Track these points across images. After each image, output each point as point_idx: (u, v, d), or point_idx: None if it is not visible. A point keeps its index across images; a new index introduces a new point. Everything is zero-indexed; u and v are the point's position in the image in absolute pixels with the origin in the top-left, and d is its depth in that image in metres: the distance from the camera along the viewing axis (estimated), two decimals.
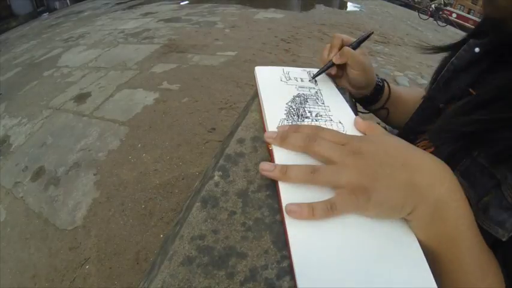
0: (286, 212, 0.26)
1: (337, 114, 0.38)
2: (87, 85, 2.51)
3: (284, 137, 0.30)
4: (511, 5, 0.30)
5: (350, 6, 5.87)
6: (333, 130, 0.30)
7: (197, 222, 0.27)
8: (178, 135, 1.77)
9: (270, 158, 0.33)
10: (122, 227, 1.30)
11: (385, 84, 0.52)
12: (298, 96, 0.40)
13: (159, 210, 1.35)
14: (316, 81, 0.46)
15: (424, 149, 0.44)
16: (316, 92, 0.42)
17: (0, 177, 1.73)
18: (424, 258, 0.25)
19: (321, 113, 0.38)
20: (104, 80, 2.54)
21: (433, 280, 0.23)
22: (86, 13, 5.69)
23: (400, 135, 0.54)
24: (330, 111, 0.38)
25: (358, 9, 5.70)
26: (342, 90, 0.46)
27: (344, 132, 0.32)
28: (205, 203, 0.29)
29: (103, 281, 1.13)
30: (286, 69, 0.46)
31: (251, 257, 0.25)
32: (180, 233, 0.27)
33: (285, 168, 0.28)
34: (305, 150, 0.29)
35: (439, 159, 0.27)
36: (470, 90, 0.40)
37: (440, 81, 0.45)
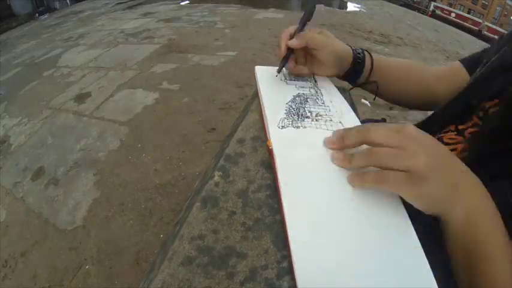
0: (334, 159, 0.30)
1: (338, 114, 0.38)
2: (87, 85, 2.50)
3: (342, 137, 0.30)
4: None
5: (350, 6, 5.87)
6: (380, 125, 0.29)
7: (197, 222, 0.27)
8: (178, 135, 1.77)
9: (270, 157, 0.33)
10: (122, 227, 1.30)
11: (366, 55, 0.49)
12: (298, 96, 0.41)
13: (159, 210, 1.35)
14: (316, 81, 0.47)
15: (451, 143, 0.44)
16: (316, 92, 0.43)
17: (0, 177, 1.73)
18: (426, 260, 0.24)
19: (321, 113, 0.38)
20: (104, 80, 2.54)
21: (434, 280, 0.23)
22: (86, 13, 5.69)
23: (423, 124, 0.53)
24: (330, 111, 0.39)
25: (358, 9, 5.69)
26: (341, 89, 0.46)
27: None
28: (205, 203, 0.29)
29: (103, 281, 1.12)
30: (286, 71, 0.47)
31: (251, 257, 0.25)
32: (180, 233, 0.27)
33: (350, 156, 0.29)
34: (363, 139, 0.29)
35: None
36: (510, 88, 0.39)
37: (479, 78, 0.44)
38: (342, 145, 0.30)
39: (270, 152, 0.33)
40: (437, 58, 3.44)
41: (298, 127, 0.35)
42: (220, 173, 0.32)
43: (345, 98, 0.42)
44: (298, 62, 0.46)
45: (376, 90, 0.52)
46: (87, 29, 4.30)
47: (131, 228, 1.29)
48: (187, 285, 0.23)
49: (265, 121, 0.36)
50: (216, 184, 0.31)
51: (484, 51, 0.52)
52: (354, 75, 0.49)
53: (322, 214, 0.26)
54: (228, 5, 4.95)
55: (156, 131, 1.82)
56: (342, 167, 0.29)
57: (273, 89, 0.41)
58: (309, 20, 0.46)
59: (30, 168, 1.72)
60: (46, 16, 6.27)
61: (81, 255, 1.22)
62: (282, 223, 0.27)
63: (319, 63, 0.46)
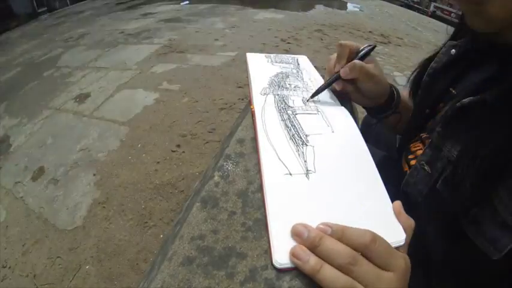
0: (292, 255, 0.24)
1: (314, 87, 0.44)
2: (87, 85, 2.51)
3: (319, 241, 0.24)
4: (508, 16, 0.27)
5: (350, 7, 5.87)
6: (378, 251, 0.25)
7: (197, 223, 0.27)
8: (178, 135, 1.77)
9: (252, 120, 0.37)
10: (122, 227, 1.30)
11: (394, 91, 0.49)
12: (281, 72, 0.46)
13: (158, 211, 1.35)
14: (298, 63, 0.50)
15: (414, 150, 0.45)
16: (297, 72, 0.49)
17: (0, 177, 1.73)
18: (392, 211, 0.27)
19: (299, 86, 0.44)
20: (104, 80, 2.54)
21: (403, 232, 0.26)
22: (86, 13, 5.69)
23: (400, 140, 0.54)
24: (307, 85, 0.45)
25: (358, 10, 5.70)
26: (344, 101, 0.46)
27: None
28: (205, 203, 0.29)
29: (103, 281, 1.12)
30: (274, 55, 0.52)
31: (251, 257, 0.25)
32: (180, 233, 0.27)
33: (319, 265, 0.23)
34: (345, 268, 0.23)
35: None
36: (451, 90, 0.41)
37: (423, 86, 0.45)
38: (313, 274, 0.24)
39: (252, 114, 0.37)
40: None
41: (277, 94, 0.41)
42: (220, 173, 0.32)
43: (344, 106, 0.43)
44: (342, 88, 0.45)
45: (399, 122, 0.51)
46: (87, 29, 4.30)
47: (131, 229, 1.29)
48: (187, 285, 0.23)
49: (250, 91, 0.41)
50: (216, 184, 0.31)
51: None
52: (382, 110, 0.49)
53: (295, 170, 0.30)
54: (228, 5, 4.95)
55: (156, 131, 1.82)
56: (300, 267, 0.24)
57: (260, 68, 0.47)
58: (369, 53, 0.44)
59: (30, 168, 1.72)
60: (46, 16, 6.27)
61: (81, 256, 1.22)
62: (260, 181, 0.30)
63: (358, 91, 0.44)
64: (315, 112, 0.38)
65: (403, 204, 0.28)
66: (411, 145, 0.47)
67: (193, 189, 0.35)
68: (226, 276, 0.24)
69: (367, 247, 0.24)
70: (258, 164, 0.32)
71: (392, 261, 0.24)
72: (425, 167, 0.37)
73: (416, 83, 0.48)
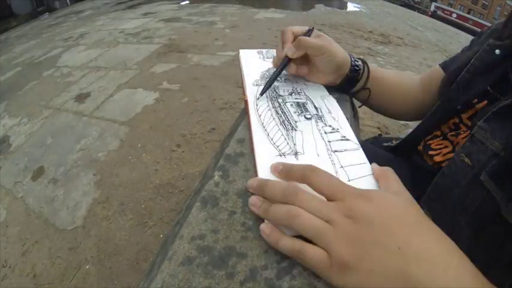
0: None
1: (302, 78, 0.46)
2: (87, 85, 2.50)
3: (263, 186, 0.27)
4: None
5: (350, 6, 5.87)
6: (327, 174, 0.26)
7: (197, 222, 0.27)
8: (178, 135, 1.77)
9: (245, 108, 0.39)
10: (122, 227, 1.30)
11: (362, 64, 0.48)
12: (272, 67, 0.48)
13: (159, 210, 1.35)
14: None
15: (437, 148, 0.45)
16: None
17: (0, 177, 1.73)
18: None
19: (289, 78, 0.46)
20: (104, 80, 2.54)
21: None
22: (85, 13, 5.69)
23: (411, 134, 0.53)
24: (297, 76, 0.46)
25: (358, 9, 5.69)
26: (343, 98, 0.47)
27: (337, 175, 0.30)
28: (205, 203, 0.29)
29: (103, 281, 1.12)
30: (266, 50, 0.53)
31: (251, 257, 0.25)
32: (180, 233, 0.27)
33: (267, 206, 0.26)
34: (284, 201, 0.25)
35: (446, 239, 0.22)
36: (489, 89, 0.40)
37: (460, 82, 0.44)
38: (283, 178, 0.28)
39: (245, 103, 0.40)
40: (437, 58, 3.44)
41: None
42: (220, 172, 0.32)
43: (345, 106, 0.43)
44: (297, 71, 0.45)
45: (367, 99, 0.51)
46: (87, 28, 4.29)
47: (131, 228, 1.29)
48: (187, 285, 0.23)
49: (244, 84, 0.44)
50: (216, 184, 0.31)
51: (462, 51, 0.52)
52: (349, 84, 0.48)
53: (286, 152, 0.32)
54: (228, 5, 4.95)
55: (156, 131, 1.82)
56: (257, 213, 0.28)
57: (252, 64, 0.49)
58: (311, 31, 0.45)
59: (30, 168, 1.71)
60: (46, 16, 6.26)
61: (81, 255, 1.22)
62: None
63: (316, 69, 0.44)
64: (304, 100, 0.41)
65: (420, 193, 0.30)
66: (431, 142, 0.47)
67: (193, 189, 0.35)
68: (226, 276, 0.24)
69: (307, 177, 0.26)
70: (251, 148, 0.34)
71: (339, 189, 0.25)
72: (465, 159, 0.37)
73: (452, 79, 0.47)
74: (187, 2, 5.46)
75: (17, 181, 1.66)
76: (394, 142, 0.59)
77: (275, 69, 0.42)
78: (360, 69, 0.47)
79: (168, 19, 4.19)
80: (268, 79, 0.41)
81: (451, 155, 0.42)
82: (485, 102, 0.41)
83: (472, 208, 0.35)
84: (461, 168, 0.37)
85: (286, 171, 0.28)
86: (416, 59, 3.18)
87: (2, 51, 4.11)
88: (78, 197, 1.47)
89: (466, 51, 0.50)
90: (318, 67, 0.43)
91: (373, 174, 0.30)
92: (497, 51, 0.40)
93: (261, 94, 0.39)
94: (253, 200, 0.27)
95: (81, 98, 2.32)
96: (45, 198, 1.51)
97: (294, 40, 0.42)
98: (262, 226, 0.26)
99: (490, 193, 0.32)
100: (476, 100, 0.42)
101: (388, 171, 0.29)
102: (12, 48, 4.21)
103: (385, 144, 0.60)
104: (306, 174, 0.26)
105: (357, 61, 0.47)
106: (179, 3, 5.38)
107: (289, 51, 0.41)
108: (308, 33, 0.44)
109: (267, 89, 0.40)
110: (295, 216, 0.24)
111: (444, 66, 0.53)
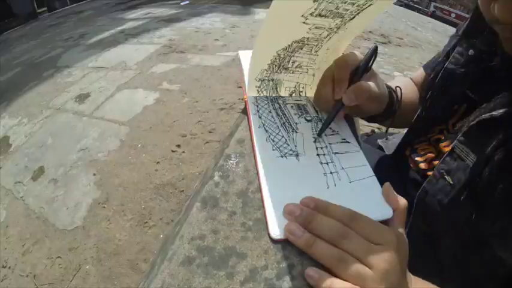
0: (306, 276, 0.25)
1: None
2: (87, 85, 2.50)
3: (309, 218, 0.25)
4: None
5: None
6: (367, 221, 0.26)
7: (197, 223, 0.27)
8: (178, 135, 1.77)
9: (245, 108, 0.39)
10: (122, 227, 1.30)
11: (394, 95, 0.44)
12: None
13: (159, 211, 1.35)
14: None
15: (425, 153, 0.45)
16: None
17: (0, 177, 1.73)
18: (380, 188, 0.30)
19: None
20: (104, 80, 2.54)
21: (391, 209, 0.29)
22: (86, 13, 5.69)
23: (399, 144, 0.53)
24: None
25: None
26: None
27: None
28: (205, 203, 0.29)
29: (103, 281, 1.12)
30: None
31: (251, 257, 0.25)
32: (180, 233, 0.27)
33: (311, 241, 0.25)
34: (332, 241, 0.25)
35: None
36: (469, 93, 0.39)
37: (437, 88, 0.43)
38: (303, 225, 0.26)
39: (246, 104, 0.40)
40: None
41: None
42: (220, 173, 0.32)
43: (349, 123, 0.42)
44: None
45: (390, 124, 0.47)
46: (87, 29, 4.29)
47: (131, 229, 1.29)
48: (187, 286, 0.23)
49: (243, 84, 0.43)
50: (216, 184, 0.31)
51: (444, 49, 0.50)
52: (383, 118, 0.43)
53: (287, 153, 0.32)
54: (228, 5, 4.95)
55: (156, 131, 1.82)
56: (294, 242, 0.26)
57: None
58: (371, 60, 0.36)
59: (30, 168, 1.71)
60: (46, 16, 6.27)
61: (81, 256, 1.22)
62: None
63: (357, 108, 0.37)
64: (304, 102, 0.41)
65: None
66: (418, 146, 0.46)
67: (194, 189, 0.35)
68: (226, 276, 0.24)
69: (352, 221, 0.25)
70: (251, 149, 0.34)
71: (379, 234, 0.25)
72: (446, 177, 0.35)
73: (431, 83, 0.45)
74: (188, 2, 5.46)
75: (17, 181, 1.66)
76: (389, 138, 0.58)
77: (328, 114, 0.36)
78: (395, 103, 0.43)
79: (169, 19, 4.19)
80: (323, 122, 0.36)
81: (435, 163, 0.40)
82: (465, 105, 0.40)
83: (457, 229, 0.34)
84: (442, 187, 0.36)
85: (323, 210, 0.26)
86: (416, 59, 3.18)
87: (2, 52, 4.11)
88: (78, 197, 1.47)
89: (446, 48, 0.48)
90: (362, 107, 0.37)
91: (373, 176, 0.31)
92: (470, 52, 0.39)
93: (319, 135, 0.35)
94: (292, 228, 0.25)
95: (81, 98, 2.32)
96: (45, 198, 1.51)
97: (351, 79, 0.35)
98: (309, 271, 0.24)
99: (472, 214, 0.32)
100: (456, 106, 0.41)
101: (405, 205, 0.29)
102: (12, 49, 4.21)
103: (380, 141, 0.60)
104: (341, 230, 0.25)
105: (390, 92, 0.43)
106: (179, 3, 5.38)
107: (347, 100, 0.34)
108: (365, 63, 0.35)
109: (324, 130, 0.35)
110: (343, 261, 0.24)
111: (425, 66, 0.52)
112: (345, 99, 0.34)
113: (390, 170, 0.48)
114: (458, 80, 0.40)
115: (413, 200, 0.39)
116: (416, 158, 0.45)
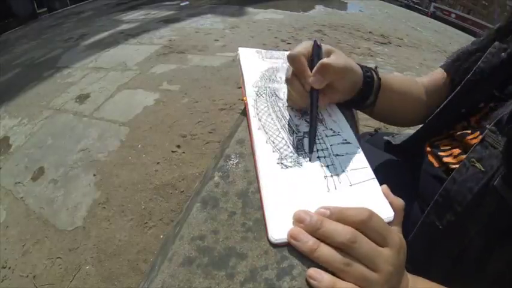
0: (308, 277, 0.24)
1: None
2: (87, 86, 2.51)
3: (317, 225, 0.25)
4: None
5: (350, 7, 5.87)
6: (376, 226, 0.26)
7: (197, 223, 0.27)
8: (178, 135, 1.77)
9: (245, 109, 0.39)
10: (122, 227, 1.30)
11: (374, 75, 0.43)
12: (272, 67, 0.48)
13: (159, 211, 1.35)
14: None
15: (450, 149, 0.45)
16: (287, 66, 0.50)
17: (0, 177, 1.73)
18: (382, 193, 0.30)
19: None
20: (104, 81, 2.54)
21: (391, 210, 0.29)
22: (86, 14, 5.69)
23: (414, 135, 0.53)
24: None
25: (358, 10, 5.70)
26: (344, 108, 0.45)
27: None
28: (205, 204, 0.29)
29: (103, 281, 1.12)
30: (265, 51, 0.53)
31: (251, 257, 0.25)
32: (180, 234, 0.27)
33: (315, 246, 0.25)
34: (342, 247, 0.25)
35: None
36: (496, 92, 0.40)
37: (466, 85, 0.44)
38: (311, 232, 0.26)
39: (245, 106, 0.40)
40: (437, 59, 3.44)
41: (268, 87, 0.43)
42: (220, 173, 0.32)
43: (345, 108, 0.42)
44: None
45: (371, 112, 0.47)
46: (88, 29, 4.29)
47: (131, 229, 1.29)
48: (187, 286, 0.23)
49: (243, 84, 0.43)
50: (216, 185, 0.31)
51: (464, 52, 0.50)
52: (362, 99, 0.42)
53: (287, 156, 0.32)
54: (228, 5, 4.95)
55: (156, 132, 1.82)
56: (298, 248, 0.26)
57: (251, 63, 0.49)
58: (319, 47, 0.37)
59: (30, 169, 1.71)
60: (46, 16, 6.27)
61: (81, 256, 1.22)
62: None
63: (331, 90, 0.37)
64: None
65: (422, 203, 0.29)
66: (438, 142, 0.47)
67: (194, 190, 0.35)
68: (227, 276, 0.24)
69: (365, 223, 0.25)
70: (251, 151, 0.34)
71: (388, 236, 0.26)
72: (477, 165, 0.36)
73: (459, 81, 0.45)
74: (187, 2, 5.46)
75: (17, 182, 1.66)
76: (395, 136, 0.58)
77: (309, 111, 0.36)
78: (372, 81, 0.42)
79: (169, 20, 4.19)
80: (309, 128, 0.35)
81: (463, 157, 0.40)
82: (491, 104, 0.41)
83: (485, 217, 0.34)
84: (473, 174, 0.35)
85: (337, 215, 0.26)
86: (416, 59, 3.19)
87: (2, 52, 4.12)
88: (78, 197, 1.47)
89: (470, 55, 0.48)
90: (336, 87, 0.37)
91: (374, 178, 0.31)
92: (503, 55, 0.40)
93: (310, 151, 0.33)
94: (295, 233, 0.25)
95: (81, 98, 2.33)
96: (45, 198, 1.51)
97: (308, 64, 0.36)
98: (311, 272, 0.24)
99: (505, 201, 0.32)
100: (482, 104, 0.42)
101: (402, 206, 0.30)
102: (12, 49, 4.21)
103: (386, 138, 0.59)
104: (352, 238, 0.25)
105: (368, 72, 0.42)
106: (179, 4, 5.39)
107: (316, 82, 0.34)
108: (317, 49, 0.37)
109: (313, 143, 0.34)
110: (348, 265, 0.24)
111: (446, 68, 0.52)
112: (314, 82, 0.34)
113: (396, 169, 0.48)
114: (488, 80, 0.42)
115: (431, 196, 0.40)
116: (440, 153, 0.45)
